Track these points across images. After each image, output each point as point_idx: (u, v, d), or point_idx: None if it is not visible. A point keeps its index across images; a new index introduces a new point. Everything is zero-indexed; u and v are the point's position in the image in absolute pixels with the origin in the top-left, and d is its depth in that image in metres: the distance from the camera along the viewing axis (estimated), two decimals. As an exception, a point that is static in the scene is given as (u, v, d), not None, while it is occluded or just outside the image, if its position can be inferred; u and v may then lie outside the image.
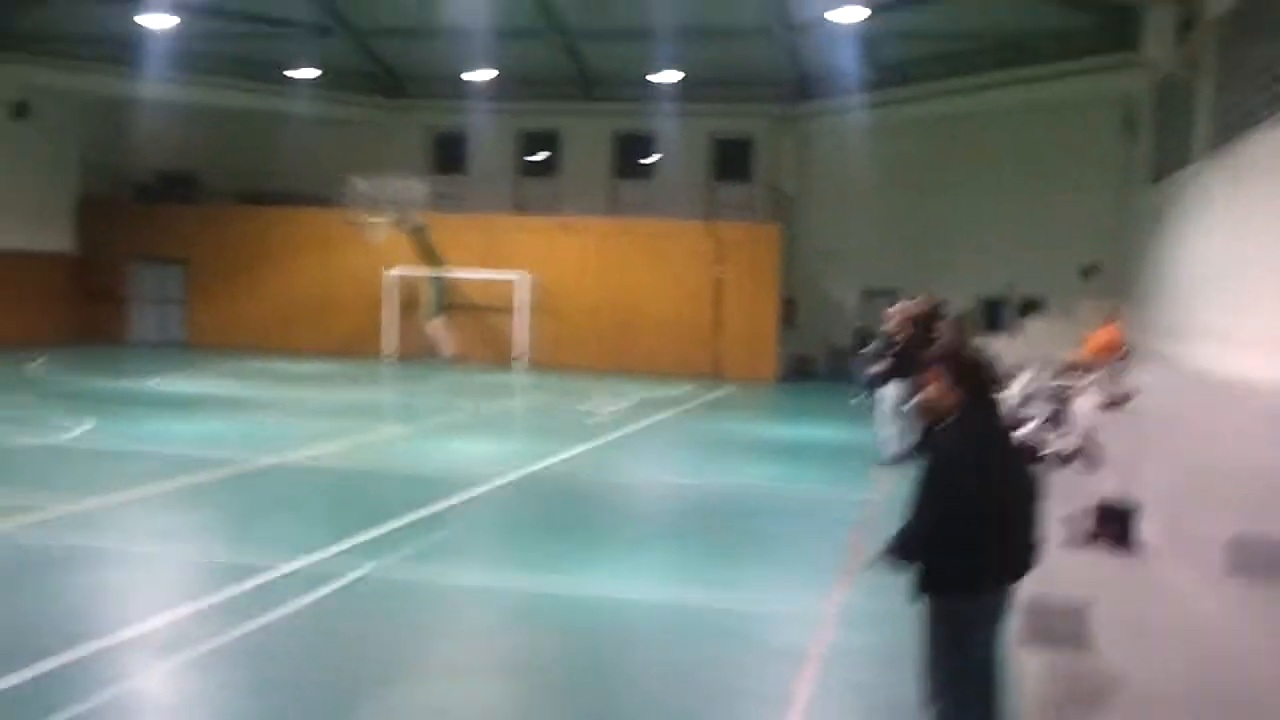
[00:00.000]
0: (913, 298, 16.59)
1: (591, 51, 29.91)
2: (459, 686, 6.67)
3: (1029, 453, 5.74)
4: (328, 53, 29.77)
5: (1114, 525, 7.46)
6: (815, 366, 30.83)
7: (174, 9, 25.19)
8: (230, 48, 29.44)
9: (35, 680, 6.25)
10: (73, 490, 11.41)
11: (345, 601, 8.15)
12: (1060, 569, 6.27)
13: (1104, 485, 9.53)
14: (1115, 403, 12.92)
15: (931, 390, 5.18)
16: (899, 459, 15.17)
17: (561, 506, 12.38)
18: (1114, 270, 26.34)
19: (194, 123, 32.06)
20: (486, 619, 8.11)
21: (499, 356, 29.82)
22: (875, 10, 22.88)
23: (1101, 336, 19.00)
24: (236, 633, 7.23)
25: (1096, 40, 23.52)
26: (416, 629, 7.75)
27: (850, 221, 30.07)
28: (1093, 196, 27.16)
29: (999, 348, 19.19)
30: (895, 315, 16.12)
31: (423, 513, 11.11)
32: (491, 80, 30.09)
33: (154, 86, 28.63)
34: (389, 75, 32.27)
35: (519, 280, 29.64)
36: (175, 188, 32.93)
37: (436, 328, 29.96)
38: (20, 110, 29.46)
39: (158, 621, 7.45)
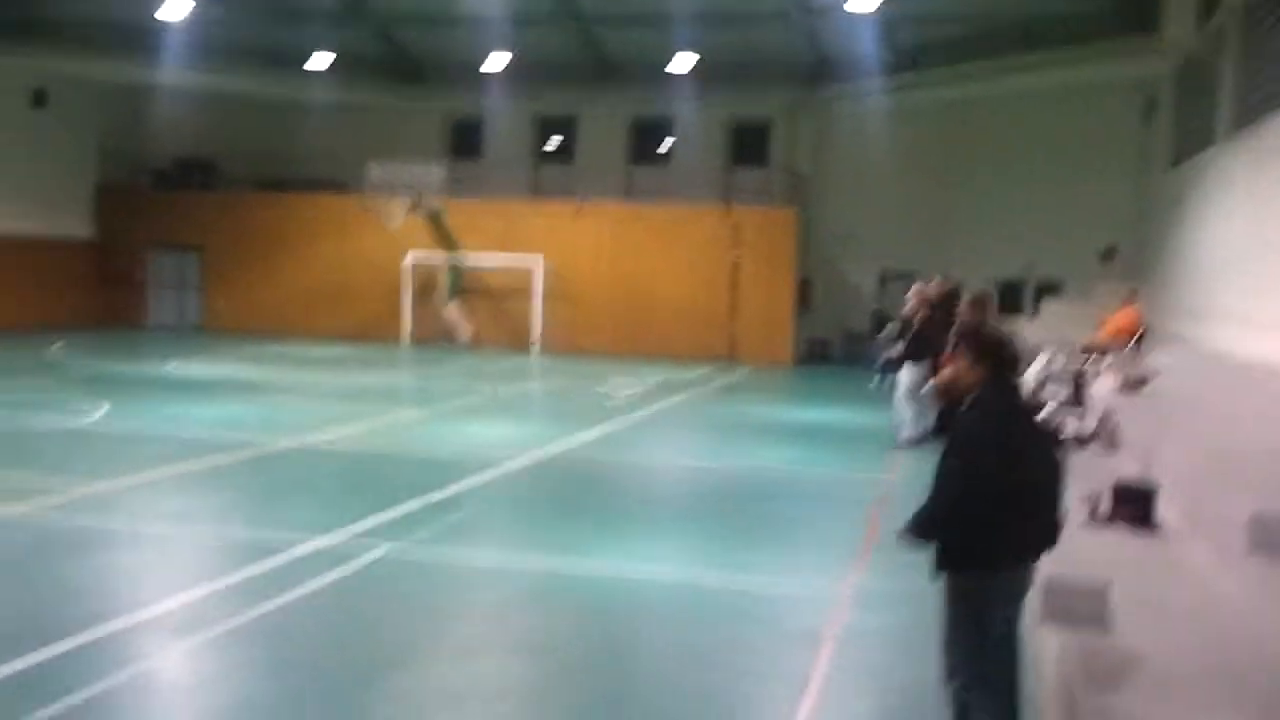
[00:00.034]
0: (930, 280, 16.51)
1: (608, 37, 29.81)
2: (475, 667, 6.67)
3: (1050, 433, 5.70)
4: (345, 39, 29.75)
5: (1133, 506, 7.41)
6: (831, 350, 30.77)
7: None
8: (248, 34, 29.42)
9: (55, 660, 6.28)
10: (91, 473, 11.46)
11: (362, 582, 8.16)
12: (1080, 549, 6.23)
13: (1123, 466, 9.48)
14: (1134, 385, 12.85)
15: (952, 368, 5.15)
16: (916, 442, 15.14)
17: (578, 489, 12.38)
18: (1133, 253, 26.19)
19: (211, 109, 32.15)
20: (503, 599, 8.11)
21: (515, 341, 29.84)
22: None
23: (1120, 319, 18.89)
24: (254, 613, 7.26)
25: (1115, 23, 23.30)
26: (433, 610, 7.76)
27: (867, 205, 29.96)
28: (1111, 180, 26.99)
29: (1017, 330, 19.11)
30: (913, 298, 16.07)
31: (439, 495, 11.13)
32: (508, 66, 30.05)
33: (172, 74, 28.69)
34: (406, 61, 32.23)
35: (535, 265, 29.64)
36: (193, 174, 33.04)
37: (452, 312, 30.01)
38: (39, 98, 29.59)
39: (175, 602, 7.48)
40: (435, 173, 28.76)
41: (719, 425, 17.92)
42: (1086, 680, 4.79)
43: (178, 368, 22.31)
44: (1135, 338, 18.18)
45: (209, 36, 28.33)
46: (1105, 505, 7.54)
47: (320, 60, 29.93)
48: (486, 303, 30.39)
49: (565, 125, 32.73)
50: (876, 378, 23.59)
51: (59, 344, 25.32)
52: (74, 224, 31.33)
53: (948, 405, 13.09)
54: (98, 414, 15.65)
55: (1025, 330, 20.07)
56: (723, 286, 29.25)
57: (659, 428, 17.32)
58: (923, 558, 5.06)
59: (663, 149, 32.33)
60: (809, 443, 16.19)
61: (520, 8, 27.02)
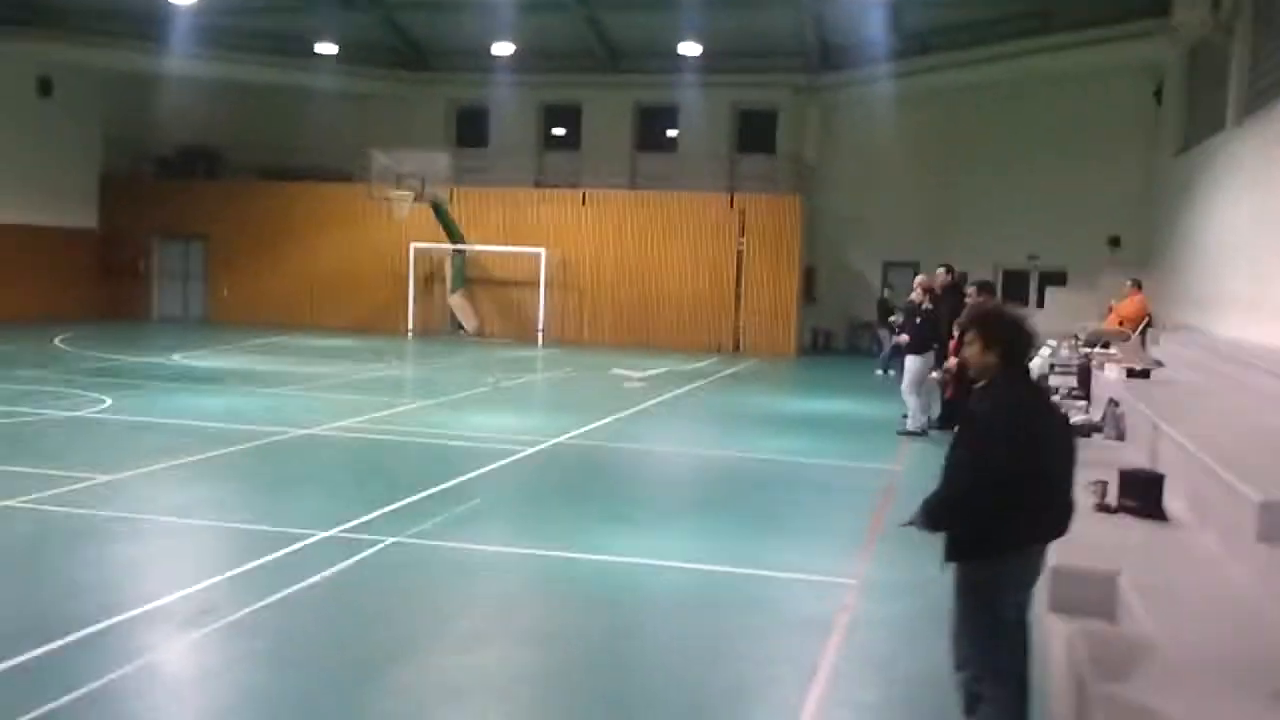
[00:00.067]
0: (937, 269, 16.47)
1: (613, 23, 29.72)
2: (483, 656, 6.66)
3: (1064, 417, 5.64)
4: (350, 26, 29.70)
5: (1140, 494, 7.38)
6: (835, 340, 30.73)
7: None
8: (252, 22, 29.40)
9: (57, 652, 6.27)
10: (96, 463, 11.45)
11: (369, 572, 8.15)
12: (1088, 538, 6.21)
13: (1130, 455, 9.45)
14: (1141, 372, 12.82)
15: (965, 353, 5.11)
16: (922, 431, 15.12)
17: (584, 478, 12.36)
18: (1140, 241, 26.10)
19: (216, 98, 32.10)
20: (510, 589, 8.10)
21: (520, 331, 29.82)
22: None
23: (1127, 307, 18.84)
24: (259, 605, 7.24)
25: (1124, 7, 23.19)
26: (441, 599, 7.74)
27: (873, 192, 29.88)
28: (1119, 167, 26.90)
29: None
30: (919, 286, 16.05)
31: (446, 485, 11.11)
32: (513, 53, 29.98)
33: (176, 62, 28.68)
34: (411, 49, 32.17)
35: (541, 254, 29.59)
36: (197, 163, 33.03)
37: (458, 302, 29.98)
38: (43, 87, 29.59)
39: (181, 594, 7.47)
40: (440, 161, 28.72)
41: (725, 415, 17.90)
42: (1095, 669, 4.77)
43: (183, 358, 22.31)
44: (1142, 326, 18.13)
45: (214, 24, 28.31)
46: (1113, 494, 7.52)
47: (325, 48, 29.89)
48: (492, 292, 30.36)
49: (571, 113, 32.66)
50: (882, 366, 23.63)
51: (63, 335, 25.32)
52: (78, 213, 31.34)
53: (955, 393, 13.07)
54: (102, 405, 15.66)
55: (1031, 319, 20.02)
56: (728, 276, 29.20)
57: (665, 417, 17.30)
58: (929, 547, 5.03)
59: (669, 136, 32.22)
60: (815, 432, 16.16)
61: (525, -6, 26.96)
